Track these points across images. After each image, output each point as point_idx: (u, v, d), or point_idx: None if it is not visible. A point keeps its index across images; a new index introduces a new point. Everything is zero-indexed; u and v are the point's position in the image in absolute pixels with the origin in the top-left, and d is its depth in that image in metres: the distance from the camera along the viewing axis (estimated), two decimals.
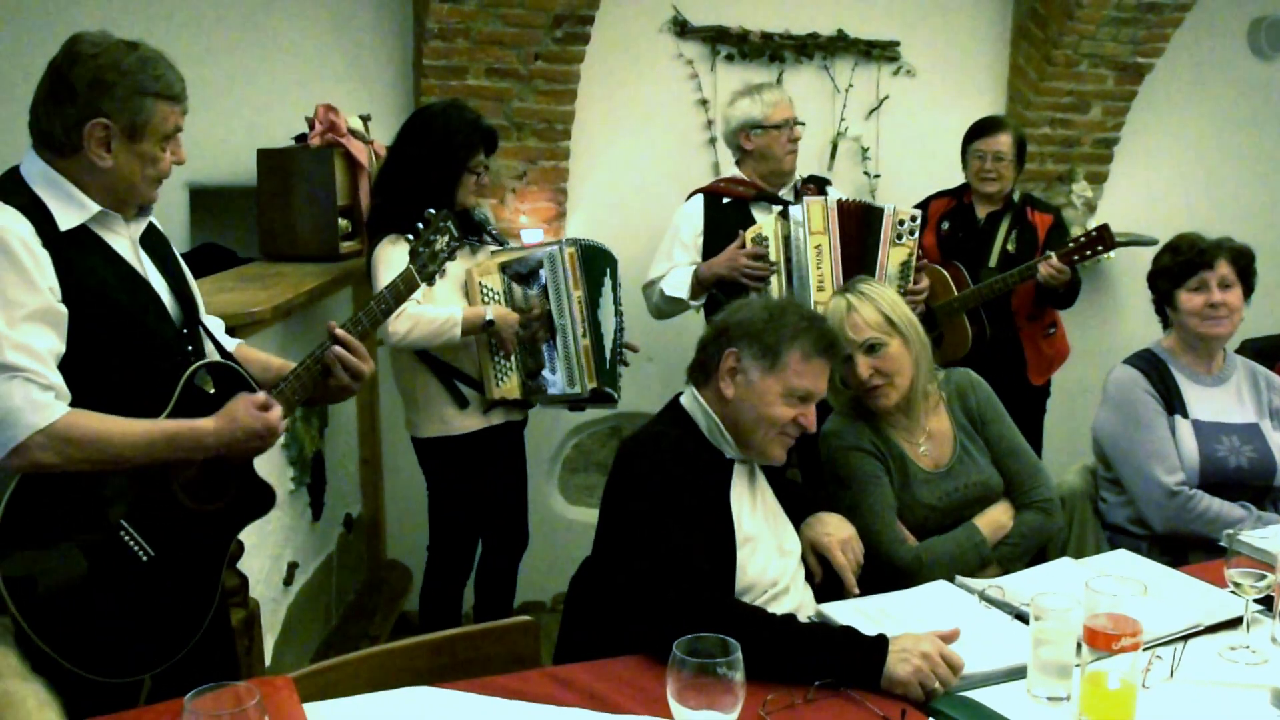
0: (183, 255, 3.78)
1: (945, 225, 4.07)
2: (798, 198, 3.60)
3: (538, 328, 3.23)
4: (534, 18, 3.91)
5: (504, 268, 3.24)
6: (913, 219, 3.46)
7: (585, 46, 4.06)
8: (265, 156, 3.60)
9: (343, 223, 3.57)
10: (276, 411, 2.05)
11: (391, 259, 3.02)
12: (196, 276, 3.27)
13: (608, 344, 3.30)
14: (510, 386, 3.22)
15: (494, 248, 3.31)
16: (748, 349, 2.15)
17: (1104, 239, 3.66)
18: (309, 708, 1.64)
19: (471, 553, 3.44)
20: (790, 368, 2.13)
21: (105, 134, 1.93)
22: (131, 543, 1.94)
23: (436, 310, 3.04)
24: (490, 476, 3.30)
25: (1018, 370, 4.00)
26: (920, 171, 4.59)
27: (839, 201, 3.46)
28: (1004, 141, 3.94)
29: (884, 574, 2.39)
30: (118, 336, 1.97)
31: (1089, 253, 3.68)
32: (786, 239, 3.45)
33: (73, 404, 1.88)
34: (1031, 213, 4.02)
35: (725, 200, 3.69)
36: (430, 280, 2.56)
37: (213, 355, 2.16)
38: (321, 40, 4.04)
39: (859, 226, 3.46)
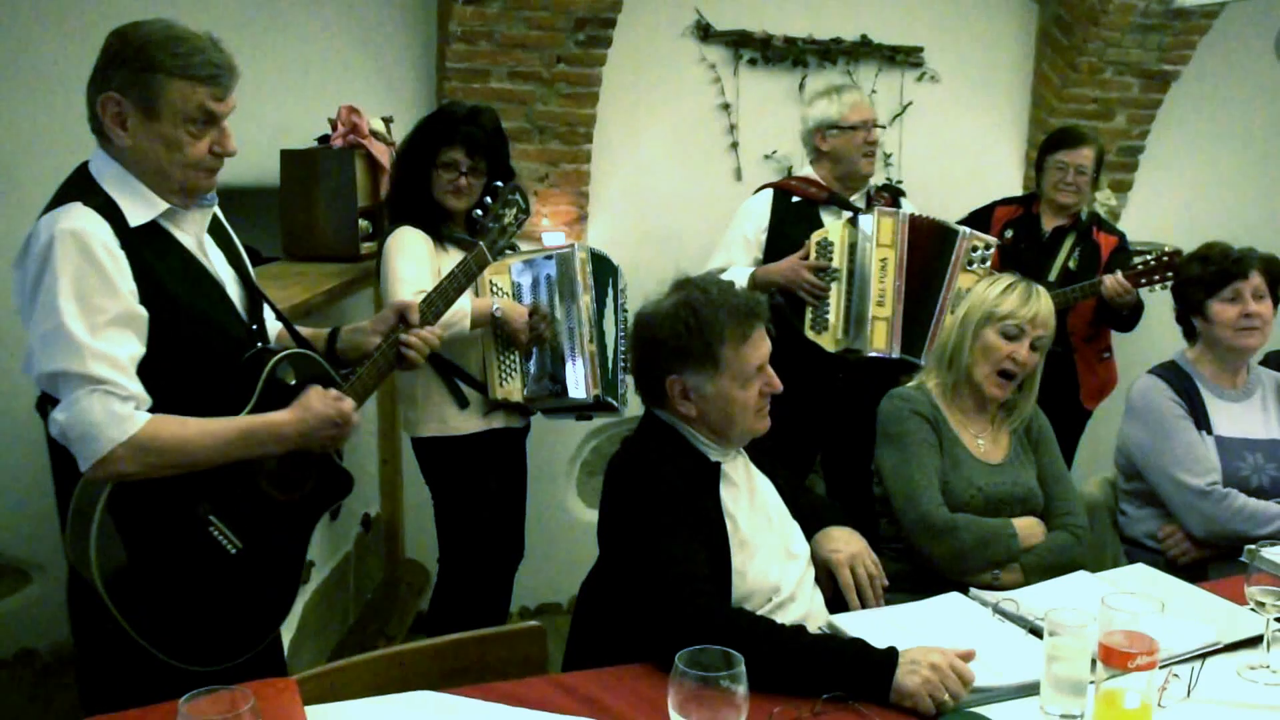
0: None
1: (1009, 234, 4.00)
2: (870, 205, 3.61)
3: (545, 327, 3.18)
4: (556, 20, 3.91)
5: (514, 269, 3.21)
6: (986, 247, 3.45)
7: (607, 50, 4.05)
8: (288, 157, 3.61)
9: (363, 223, 3.58)
10: (349, 401, 2.10)
11: (405, 243, 3.04)
12: None
13: (610, 352, 3.27)
14: (512, 389, 3.19)
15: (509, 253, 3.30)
16: (686, 369, 2.09)
17: (1175, 265, 3.51)
18: (311, 710, 1.64)
19: (484, 555, 3.41)
20: (734, 360, 2.09)
21: (118, 110, 1.89)
22: (220, 536, 1.97)
23: None
24: (490, 483, 3.27)
25: (1070, 391, 3.94)
26: (943, 177, 4.56)
27: (911, 217, 3.46)
28: (1087, 155, 3.87)
29: (914, 532, 2.52)
30: (192, 336, 1.97)
31: (1157, 278, 3.59)
32: (853, 247, 3.45)
33: (152, 406, 1.88)
34: (1097, 232, 3.95)
35: (795, 199, 3.65)
36: (499, 255, 2.57)
37: (282, 345, 2.19)
38: (345, 42, 4.05)
39: (930, 246, 3.45)
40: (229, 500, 1.99)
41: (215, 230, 2.14)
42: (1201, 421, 2.81)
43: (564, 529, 4.32)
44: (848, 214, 3.55)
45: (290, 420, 2.01)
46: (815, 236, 3.50)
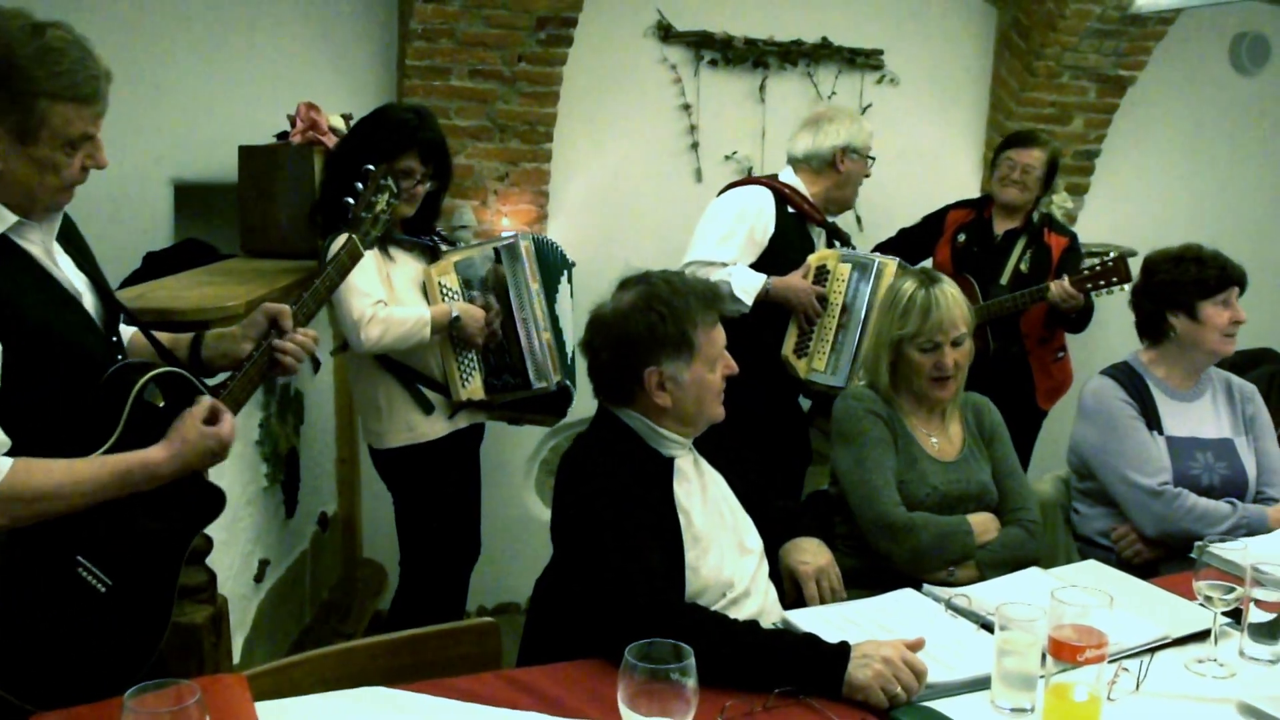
0: (166, 250, 3.81)
1: (961, 237, 4.05)
2: (834, 235, 3.71)
3: (495, 320, 3.12)
4: (518, 19, 3.90)
5: (459, 265, 3.16)
6: None
7: (568, 49, 4.05)
8: (247, 153, 3.58)
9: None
10: (227, 421, 1.90)
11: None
12: (178, 271, 3.25)
13: (567, 338, 3.24)
14: (475, 387, 3.15)
15: (445, 248, 3.22)
16: (664, 357, 2.09)
17: (1120, 271, 3.61)
18: (261, 706, 1.62)
19: (447, 555, 3.39)
20: (704, 344, 2.11)
21: None
22: (89, 576, 1.82)
23: (406, 311, 2.98)
24: (455, 482, 3.24)
25: (1026, 393, 3.99)
26: (901, 180, 4.58)
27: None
28: (1036, 156, 3.92)
29: (873, 533, 2.53)
30: (48, 360, 1.78)
31: (1103, 283, 3.64)
32: (856, 286, 3.46)
33: (13, 440, 1.72)
34: (1048, 234, 4.00)
35: (789, 209, 3.63)
36: (372, 245, 2.45)
37: (143, 359, 2.00)
38: (305, 38, 4.03)
39: None
40: (100, 535, 1.81)
41: (64, 231, 1.92)
42: (1153, 422, 2.84)
43: (523, 528, 4.31)
44: (837, 242, 3.62)
45: (166, 457, 1.82)
46: (814, 260, 3.51)
